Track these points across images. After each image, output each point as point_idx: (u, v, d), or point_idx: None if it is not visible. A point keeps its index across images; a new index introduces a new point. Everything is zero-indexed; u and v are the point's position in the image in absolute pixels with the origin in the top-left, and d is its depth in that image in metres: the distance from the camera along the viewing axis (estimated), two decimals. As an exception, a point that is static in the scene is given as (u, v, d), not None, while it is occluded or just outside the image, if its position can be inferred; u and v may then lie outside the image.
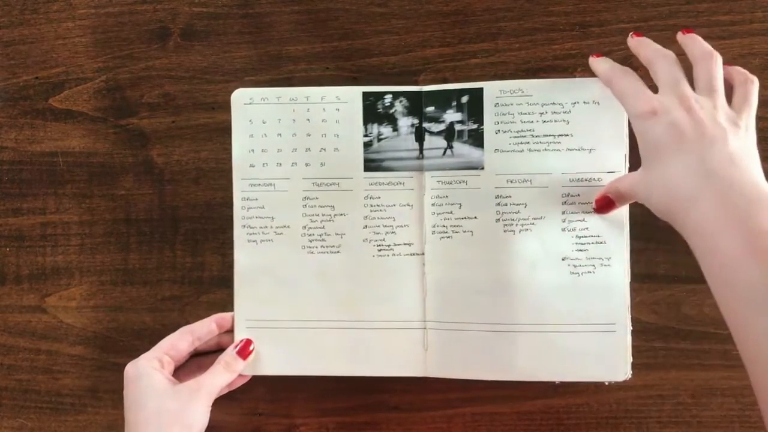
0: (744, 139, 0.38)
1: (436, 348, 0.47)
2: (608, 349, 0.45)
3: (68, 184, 0.52)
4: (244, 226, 0.48)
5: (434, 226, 0.47)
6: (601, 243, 0.46)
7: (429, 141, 0.47)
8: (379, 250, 0.48)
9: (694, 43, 0.41)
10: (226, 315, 0.48)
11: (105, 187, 0.52)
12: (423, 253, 0.47)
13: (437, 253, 0.47)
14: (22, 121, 0.52)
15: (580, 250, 0.46)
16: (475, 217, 0.47)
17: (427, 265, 0.47)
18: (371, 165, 0.48)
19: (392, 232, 0.48)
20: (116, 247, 0.51)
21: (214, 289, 0.51)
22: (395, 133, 0.48)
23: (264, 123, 0.48)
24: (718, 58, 0.40)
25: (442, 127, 0.47)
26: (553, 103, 0.46)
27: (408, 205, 0.48)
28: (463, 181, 0.47)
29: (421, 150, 0.48)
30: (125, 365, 0.45)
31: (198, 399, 0.43)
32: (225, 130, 0.49)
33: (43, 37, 0.52)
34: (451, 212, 0.47)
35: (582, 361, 0.45)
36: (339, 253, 0.48)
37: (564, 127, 0.46)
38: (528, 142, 0.46)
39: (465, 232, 0.47)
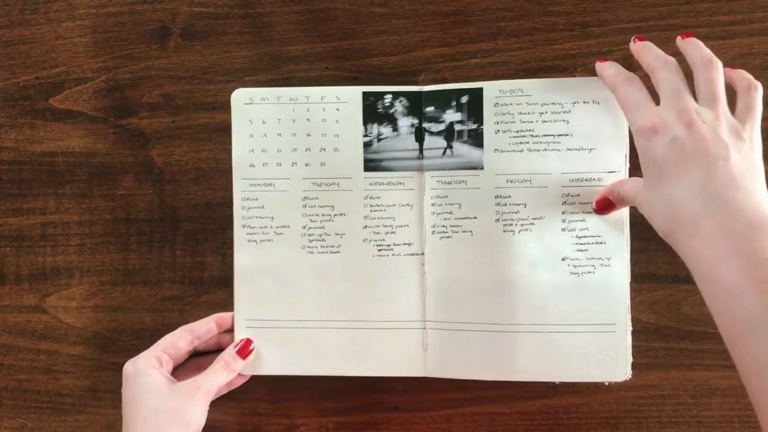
0: (748, 152, 0.37)
1: (436, 348, 0.47)
2: (608, 349, 0.45)
3: (68, 184, 0.52)
4: (244, 226, 0.48)
5: (434, 226, 0.47)
6: (601, 243, 0.46)
7: (429, 141, 0.47)
8: (379, 250, 0.48)
9: (694, 49, 0.40)
10: (226, 314, 0.49)
11: (105, 187, 0.52)
12: (423, 253, 0.47)
13: (437, 253, 0.47)
14: (22, 121, 0.52)
15: (580, 251, 0.46)
16: (475, 217, 0.47)
17: (427, 265, 0.47)
18: (371, 165, 0.48)
19: (392, 232, 0.48)
20: (116, 247, 0.52)
21: (214, 289, 0.51)
22: (395, 133, 0.48)
23: (264, 123, 0.48)
24: (719, 65, 0.39)
25: (441, 127, 0.47)
26: (553, 103, 0.46)
27: (408, 205, 0.48)
28: (463, 181, 0.47)
29: (421, 150, 0.48)
30: (125, 365, 0.45)
31: (196, 398, 0.43)
32: (225, 130, 0.49)
33: (43, 37, 0.52)
34: (451, 212, 0.47)
35: (582, 361, 0.45)
36: (339, 253, 0.48)
37: (564, 127, 0.46)
38: (528, 142, 0.46)
39: (465, 232, 0.47)
